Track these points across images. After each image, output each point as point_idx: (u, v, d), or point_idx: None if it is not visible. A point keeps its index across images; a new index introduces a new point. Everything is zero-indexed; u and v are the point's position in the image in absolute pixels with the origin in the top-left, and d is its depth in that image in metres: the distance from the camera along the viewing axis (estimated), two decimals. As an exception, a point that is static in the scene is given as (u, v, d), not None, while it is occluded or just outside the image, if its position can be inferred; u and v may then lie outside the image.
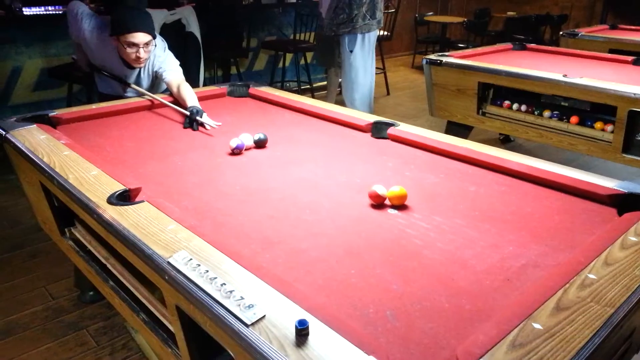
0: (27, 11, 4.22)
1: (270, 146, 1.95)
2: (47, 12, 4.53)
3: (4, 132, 1.91)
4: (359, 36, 3.62)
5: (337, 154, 1.89)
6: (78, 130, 2.10)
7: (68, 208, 1.68)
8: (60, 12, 4.43)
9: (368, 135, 2.07)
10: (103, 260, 1.63)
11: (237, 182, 1.64)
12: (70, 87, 3.93)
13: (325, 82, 5.19)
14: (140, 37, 2.37)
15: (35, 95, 4.15)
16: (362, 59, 3.69)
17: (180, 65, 2.68)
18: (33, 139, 1.82)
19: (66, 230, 1.87)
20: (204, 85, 4.24)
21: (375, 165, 1.77)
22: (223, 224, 1.36)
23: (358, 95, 3.80)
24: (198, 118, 2.18)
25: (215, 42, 4.39)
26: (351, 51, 3.67)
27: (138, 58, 2.44)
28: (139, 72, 2.63)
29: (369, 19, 3.59)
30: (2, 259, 2.64)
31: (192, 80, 4.21)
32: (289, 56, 5.52)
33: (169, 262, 1.09)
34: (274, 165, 1.77)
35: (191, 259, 1.09)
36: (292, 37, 5.47)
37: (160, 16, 3.78)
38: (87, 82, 3.70)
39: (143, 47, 2.41)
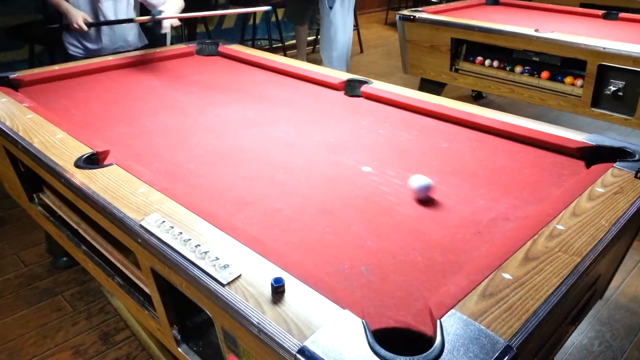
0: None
1: (241, 106, 1.91)
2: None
3: (-39, 96, 1.82)
4: (339, -8, 3.53)
5: (310, 112, 1.87)
6: (41, 92, 2.01)
7: (35, 173, 1.63)
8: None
9: (341, 93, 2.05)
10: (74, 226, 1.60)
11: (209, 143, 1.61)
12: (32, 48, 3.76)
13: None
14: None
15: (-6, 57, 3.96)
16: (341, 17, 3.61)
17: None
18: (-7, 103, 1.75)
19: (34, 196, 1.83)
20: (171, 44, 4.10)
21: (349, 124, 1.76)
22: (196, 186, 1.34)
23: (336, 53, 3.74)
24: (157, 17, 2.25)
25: None
26: (331, 7, 3.57)
27: None
28: None
29: (349, -25, 3.49)
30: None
31: (158, 39, 4.06)
32: (259, 13, 5.37)
33: (141, 225, 1.08)
34: (246, 126, 1.74)
35: (164, 221, 1.08)
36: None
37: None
38: (50, 42, 3.54)
39: None
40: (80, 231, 1.57)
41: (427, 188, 1.27)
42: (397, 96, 1.91)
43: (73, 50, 2.63)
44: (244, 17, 5.24)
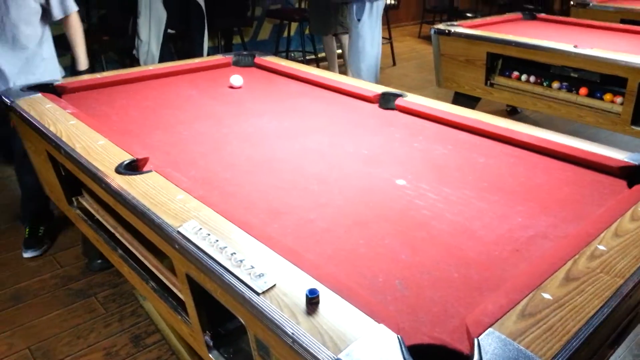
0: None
1: (276, 117, 1.93)
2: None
3: (9, 101, 1.90)
4: (367, 4, 3.55)
5: (344, 124, 1.87)
6: (83, 99, 2.08)
7: (75, 177, 1.68)
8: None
9: (375, 106, 2.05)
10: (111, 229, 1.64)
11: (244, 152, 1.63)
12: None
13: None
14: None
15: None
16: (369, 28, 3.63)
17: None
18: (39, 108, 1.81)
19: (73, 199, 1.88)
20: (208, 54, 4.18)
21: (383, 137, 1.76)
22: (231, 194, 1.36)
23: (364, 65, 3.75)
24: None
25: (219, 10, 4.31)
26: (359, 19, 3.60)
27: None
28: None
29: (377, -13, 3.51)
30: (9, 227, 2.67)
31: (196, 49, 4.15)
32: (294, 25, 5.43)
33: (178, 232, 1.10)
34: (281, 136, 1.76)
35: (201, 229, 1.09)
36: (297, 5, 5.37)
37: (163, -17, 3.70)
38: (94, 52, 3.65)
39: None
40: (117, 235, 1.60)
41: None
42: (432, 110, 1.90)
43: None
44: (279, 29, 5.31)
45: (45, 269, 2.35)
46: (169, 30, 3.87)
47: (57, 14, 2.33)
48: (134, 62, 3.91)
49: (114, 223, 1.62)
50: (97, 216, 1.76)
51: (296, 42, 5.57)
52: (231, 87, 2.25)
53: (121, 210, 1.35)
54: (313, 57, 5.35)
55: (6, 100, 1.92)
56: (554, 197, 1.34)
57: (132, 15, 3.73)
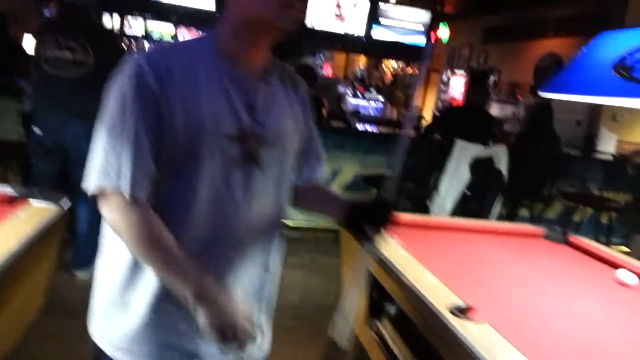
0: (359, 127, 5.08)
1: (602, 304, 1.75)
2: (373, 131, 5.38)
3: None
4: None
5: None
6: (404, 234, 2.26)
7: (381, 302, 1.77)
8: (382, 132, 5.22)
9: None
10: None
11: (571, 335, 1.49)
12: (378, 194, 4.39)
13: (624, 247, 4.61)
14: None
15: (346, 194, 4.76)
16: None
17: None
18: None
19: (373, 321, 1.97)
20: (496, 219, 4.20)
21: None
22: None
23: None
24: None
25: (518, 182, 4.37)
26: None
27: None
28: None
29: None
30: (287, 325, 2.92)
31: (485, 211, 4.23)
32: (586, 211, 5.11)
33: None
34: (607, 326, 1.56)
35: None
36: (596, 193, 5.08)
37: (474, 150, 3.99)
38: (382, 192, 4.07)
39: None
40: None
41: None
42: None
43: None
44: (570, 210, 5.06)
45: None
46: (466, 191, 4.08)
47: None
48: (425, 210, 4.18)
49: (407, 355, 1.62)
50: (391, 344, 1.80)
51: (585, 229, 5.19)
52: (620, 283, 1.95)
53: (455, 354, 1.34)
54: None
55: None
56: None
57: (437, 170, 4.08)
